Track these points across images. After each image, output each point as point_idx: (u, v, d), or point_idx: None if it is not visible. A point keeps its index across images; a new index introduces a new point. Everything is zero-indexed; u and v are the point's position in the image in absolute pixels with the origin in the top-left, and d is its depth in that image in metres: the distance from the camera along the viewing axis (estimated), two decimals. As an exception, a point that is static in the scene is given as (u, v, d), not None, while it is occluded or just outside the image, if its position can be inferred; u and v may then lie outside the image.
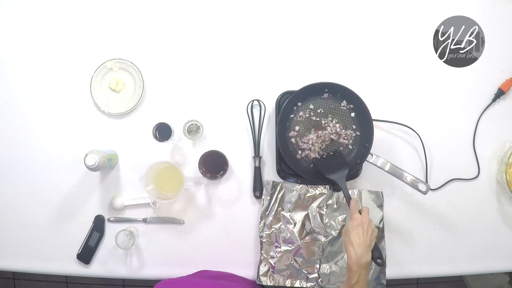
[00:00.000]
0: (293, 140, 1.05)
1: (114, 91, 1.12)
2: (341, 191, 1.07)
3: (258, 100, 1.11)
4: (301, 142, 1.04)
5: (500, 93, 1.15)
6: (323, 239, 1.07)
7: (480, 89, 1.16)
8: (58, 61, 1.13)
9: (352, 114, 1.06)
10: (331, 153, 1.04)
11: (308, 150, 1.04)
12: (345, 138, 1.05)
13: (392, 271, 1.08)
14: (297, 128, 1.04)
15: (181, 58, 1.14)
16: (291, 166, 1.03)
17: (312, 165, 1.03)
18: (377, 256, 0.88)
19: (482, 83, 1.16)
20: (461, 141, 1.15)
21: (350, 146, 1.06)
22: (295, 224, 1.07)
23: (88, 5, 1.14)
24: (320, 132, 1.03)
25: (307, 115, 1.05)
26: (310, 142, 1.03)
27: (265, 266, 1.05)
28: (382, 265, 0.89)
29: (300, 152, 1.05)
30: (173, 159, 1.11)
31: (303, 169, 1.05)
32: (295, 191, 1.09)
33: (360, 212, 0.91)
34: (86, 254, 1.08)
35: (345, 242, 0.89)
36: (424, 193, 0.98)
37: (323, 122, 1.04)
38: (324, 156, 1.04)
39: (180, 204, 1.10)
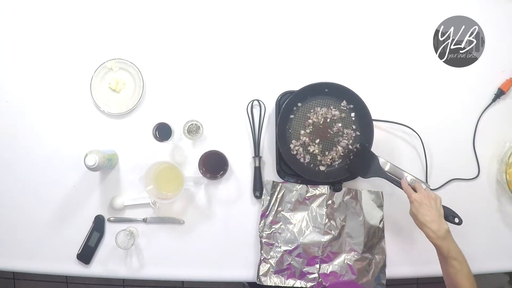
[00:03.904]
0: (293, 140, 1.05)
1: (114, 91, 1.12)
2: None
3: (258, 100, 1.11)
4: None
5: (500, 93, 1.14)
6: (323, 239, 1.07)
7: (480, 89, 1.16)
8: (58, 61, 1.13)
9: (352, 114, 1.06)
10: (354, 149, 1.05)
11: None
12: (345, 138, 1.05)
13: (392, 271, 1.08)
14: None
15: (181, 58, 1.14)
16: (291, 166, 1.03)
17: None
18: (451, 215, 0.91)
19: (482, 83, 1.16)
20: (461, 141, 1.15)
21: (350, 146, 1.06)
22: (295, 224, 1.07)
23: (88, 5, 1.14)
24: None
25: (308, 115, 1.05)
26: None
27: (265, 266, 1.05)
28: (460, 223, 0.92)
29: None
30: (173, 159, 1.11)
31: (303, 169, 1.05)
32: (295, 191, 1.09)
33: (415, 189, 0.92)
34: (86, 254, 1.08)
35: (418, 225, 0.90)
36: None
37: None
38: (351, 158, 1.05)
39: (180, 204, 1.10)
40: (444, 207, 0.92)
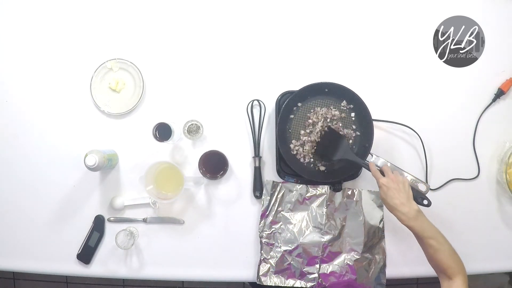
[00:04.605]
0: (293, 140, 1.05)
1: (114, 91, 1.12)
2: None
3: (258, 100, 1.11)
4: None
5: (500, 93, 1.14)
6: (323, 239, 1.07)
7: (480, 89, 1.16)
8: (58, 61, 1.13)
9: (352, 114, 1.06)
10: (323, 132, 1.05)
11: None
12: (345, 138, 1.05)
13: (392, 271, 1.08)
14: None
15: (181, 58, 1.14)
16: (291, 166, 1.03)
17: (313, 155, 1.05)
18: (420, 197, 0.91)
19: (482, 83, 1.16)
20: (461, 141, 1.15)
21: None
22: (295, 224, 1.07)
23: (88, 5, 1.14)
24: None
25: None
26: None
27: (265, 266, 1.05)
28: (429, 204, 0.92)
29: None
30: (173, 159, 1.11)
31: (303, 169, 1.05)
32: (295, 191, 1.09)
33: (383, 173, 0.92)
34: (86, 254, 1.08)
35: (388, 209, 0.90)
36: (424, 193, 0.98)
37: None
38: (318, 140, 1.04)
39: (180, 204, 1.10)
40: (412, 189, 0.92)
